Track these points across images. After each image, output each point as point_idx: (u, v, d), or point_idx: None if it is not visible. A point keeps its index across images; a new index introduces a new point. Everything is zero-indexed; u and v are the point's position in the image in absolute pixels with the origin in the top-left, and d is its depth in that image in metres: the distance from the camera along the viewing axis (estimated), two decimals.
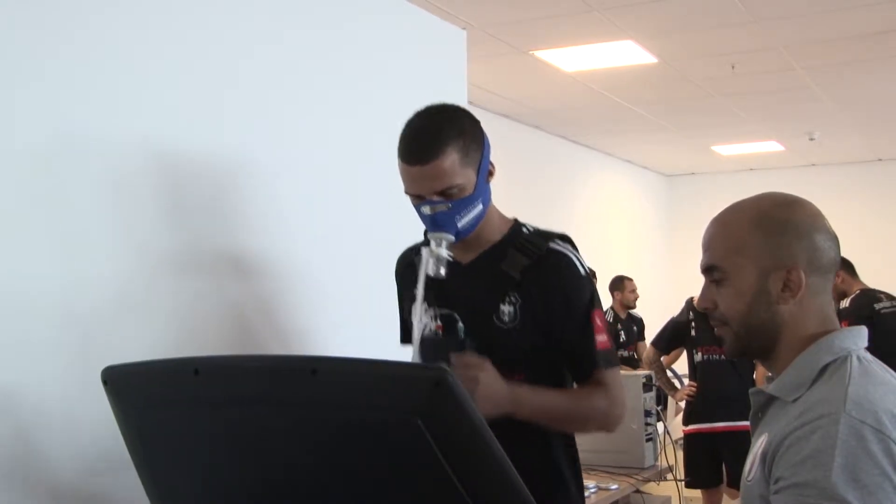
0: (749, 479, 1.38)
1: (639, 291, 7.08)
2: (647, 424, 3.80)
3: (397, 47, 2.85)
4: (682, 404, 5.85)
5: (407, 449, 1.10)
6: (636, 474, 3.65)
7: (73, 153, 1.90)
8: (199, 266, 2.16)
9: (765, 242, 1.41)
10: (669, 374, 6.12)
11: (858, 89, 7.40)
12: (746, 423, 1.53)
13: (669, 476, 3.86)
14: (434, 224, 1.85)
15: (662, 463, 3.89)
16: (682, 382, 6.31)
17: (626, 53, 6.23)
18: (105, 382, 1.34)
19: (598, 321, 1.94)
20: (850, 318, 5.34)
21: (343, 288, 2.53)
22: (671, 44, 6.09)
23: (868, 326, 1.52)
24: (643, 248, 11.02)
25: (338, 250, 2.54)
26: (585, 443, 3.49)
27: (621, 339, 6.73)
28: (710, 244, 1.47)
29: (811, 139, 9.31)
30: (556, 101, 7.64)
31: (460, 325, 1.91)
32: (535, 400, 1.86)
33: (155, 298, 2.04)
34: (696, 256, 1.52)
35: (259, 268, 2.33)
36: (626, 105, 7.81)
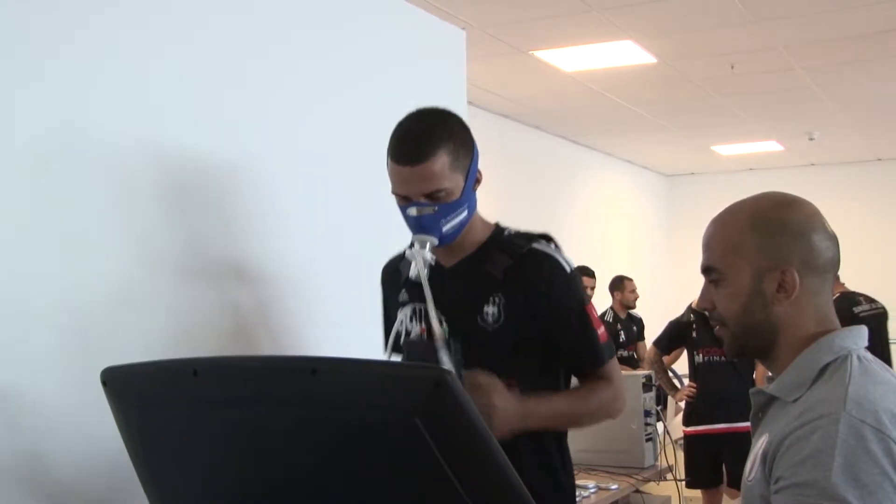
0: (749, 479, 1.38)
1: (639, 291, 7.08)
2: (647, 424, 3.80)
3: (397, 47, 2.85)
4: (682, 405, 5.87)
5: (406, 449, 1.10)
6: (636, 474, 3.65)
7: (73, 153, 1.90)
8: (198, 266, 2.16)
9: (759, 243, 1.42)
10: (670, 374, 6.13)
11: (858, 89, 7.40)
12: (747, 423, 1.53)
13: (669, 476, 3.86)
14: (419, 226, 1.85)
15: (662, 463, 3.89)
16: (681, 382, 6.32)
17: (625, 53, 6.23)
18: (104, 383, 1.34)
19: (593, 315, 1.96)
20: None
21: (343, 288, 2.53)
22: (671, 44, 6.09)
23: None
24: (643, 248, 11.02)
25: (337, 250, 2.54)
26: (585, 443, 3.51)
27: (621, 339, 6.73)
28: (708, 245, 1.48)
29: (811, 139, 9.31)
30: (556, 101, 7.64)
31: (444, 326, 1.90)
32: (544, 410, 1.88)
33: (155, 299, 2.04)
34: (696, 256, 1.52)
35: (259, 268, 2.33)
36: (626, 105, 7.81)
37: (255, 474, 1.23)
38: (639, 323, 7.11)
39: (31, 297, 1.79)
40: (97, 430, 1.75)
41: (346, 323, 2.51)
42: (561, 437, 2.01)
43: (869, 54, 6.33)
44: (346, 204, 2.59)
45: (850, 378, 1.32)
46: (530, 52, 6.20)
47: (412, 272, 1.89)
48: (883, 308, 5.85)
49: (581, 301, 1.95)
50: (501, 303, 1.90)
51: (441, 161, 1.81)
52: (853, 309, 5.61)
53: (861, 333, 1.43)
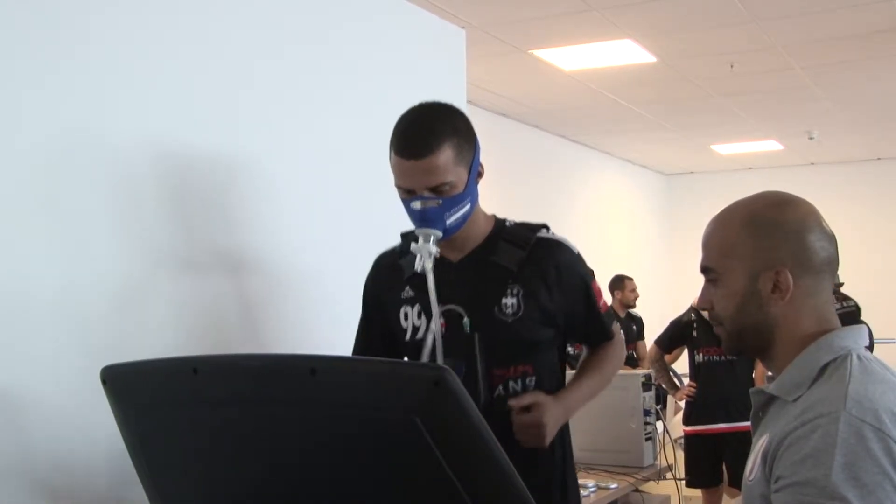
0: (750, 478, 1.38)
1: (638, 291, 7.08)
2: (647, 424, 3.79)
3: (396, 47, 2.85)
4: (682, 404, 5.88)
5: (406, 448, 1.10)
6: (635, 473, 3.65)
7: (74, 154, 1.90)
8: (198, 266, 2.16)
9: (753, 244, 1.42)
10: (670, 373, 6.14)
11: (857, 88, 7.41)
12: (747, 423, 1.53)
13: (669, 475, 3.85)
14: (423, 219, 1.86)
15: (662, 462, 3.89)
16: (681, 382, 6.32)
17: (625, 53, 6.23)
18: (104, 382, 1.34)
19: (596, 287, 2.06)
20: None
21: (343, 287, 2.53)
22: (670, 43, 6.09)
23: None
24: (642, 247, 11.02)
25: (338, 249, 2.54)
26: (585, 442, 3.51)
27: None
28: (706, 245, 1.49)
29: (810, 138, 9.31)
30: (556, 100, 7.64)
31: (466, 320, 1.92)
32: (579, 399, 2.02)
33: (154, 298, 2.04)
34: (696, 256, 1.52)
35: (258, 268, 2.33)
36: (626, 104, 7.81)
37: (254, 473, 1.23)
38: (638, 322, 7.12)
39: (31, 297, 1.79)
40: (97, 430, 1.75)
41: (346, 322, 2.51)
42: (563, 430, 2.02)
43: (869, 54, 6.33)
44: (347, 202, 2.59)
45: (849, 377, 1.32)
46: (530, 52, 6.20)
47: (417, 266, 1.88)
48: (855, 306, 5.84)
49: (590, 278, 2.06)
50: (520, 294, 1.93)
51: (445, 155, 1.82)
52: None
53: (861, 333, 1.43)
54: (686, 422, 5.67)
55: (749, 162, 10.99)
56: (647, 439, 3.80)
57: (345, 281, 2.54)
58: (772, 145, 9.89)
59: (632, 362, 6.60)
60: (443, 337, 1.92)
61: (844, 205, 9.47)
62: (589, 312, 2.04)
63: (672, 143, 9.83)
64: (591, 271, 2.07)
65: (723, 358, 5.40)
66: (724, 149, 10.17)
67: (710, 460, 5.49)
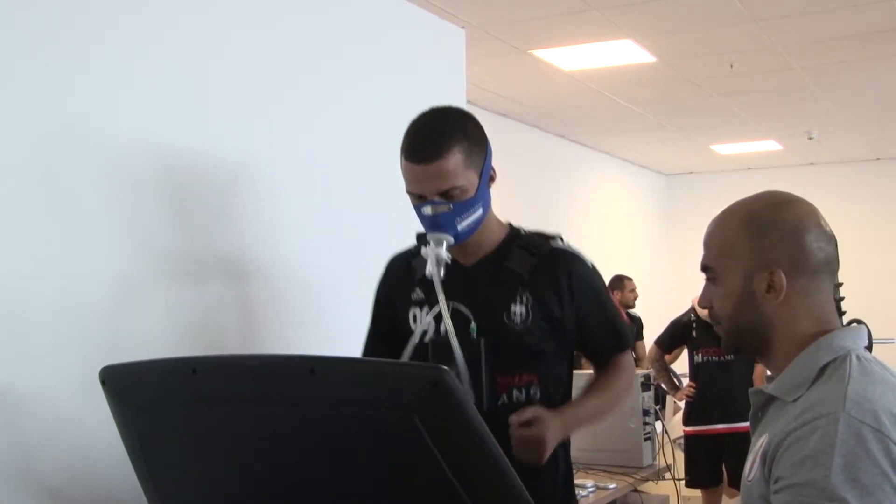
0: (749, 479, 1.38)
1: (638, 291, 7.08)
2: (646, 424, 3.79)
3: (396, 46, 2.85)
4: (682, 404, 5.88)
5: (405, 448, 1.10)
6: (634, 473, 3.65)
7: (74, 154, 1.90)
8: (198, 266, 2.16)
9: (750, 244, 1.42)
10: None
11: (857, 88, 7.41)
12: (746, 423, 1.53)
13: (667, 475, 3.85)
14: (434, 225, 1.85)
15: (660, 462, 3.89)
16: (680, 382, 6.33)
17: (624, 53, 6.23)
18: (103, 382, 1.34)
19: (616, 303, 2.00)
20: None
21: (343, 287, 2.53)
22: (670, 43, 6.09)
23: None
24: (642, 247, 11.02)
25: (337, 249, 2.54)
26: (583, 442, 3.51)
27: None
28: (706, 244, 1.49)
29: (810, 138, 9.30)
30: (555, 100, 7.64)
31: (473, 325, 1.91)
32: (581, 417, 1.97)
33: (154, 298, 2.04)
34: (696, 256, 1.52)
35: (259, 268, 2.33)
36: (625, 104, 7.81)
37: (253, 473, 1.23)
38: (637, 322, 7.12)
39: (31, 296, 1.79)
40: (96, 430, 1.75)
41: (346, 322, 2.51)
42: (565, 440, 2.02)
43: (868, 54, 6.33)
44: (347, 202, 2.59)
45: (849, 378, 1.32)
46: (530, 51, 6.20)
47: (427, 270, 1.88)
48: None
49: (605, 289, 2.05)
50: (529, 302, 1.92)
51: (455, 159, 1.81)
52: None
53: (861, 333, 1.43)
54: (686, 422, 5.68)
55: (748, 162, 10.99)
56: (645, 439, 3.80)
57: (344, 281, 2.54)
58: (771, 145, 9.89)
59: None
60: (444, 342, 1.91)
61: (844, 205, 9.47)
62: (604, 322, 2.01)
63: (672, 143, 9.83)
64: (605, 285, 2.07)
65: (722, 358, 5.40)
66: (724, 149, 10.17)
67: (710, 460, 5.49)
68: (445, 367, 1.08)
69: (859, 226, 9.89)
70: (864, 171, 10.92)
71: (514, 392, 1.92)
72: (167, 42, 2.10)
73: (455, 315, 1.91)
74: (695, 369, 5.62)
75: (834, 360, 1.37)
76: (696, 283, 1.54)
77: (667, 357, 5.91)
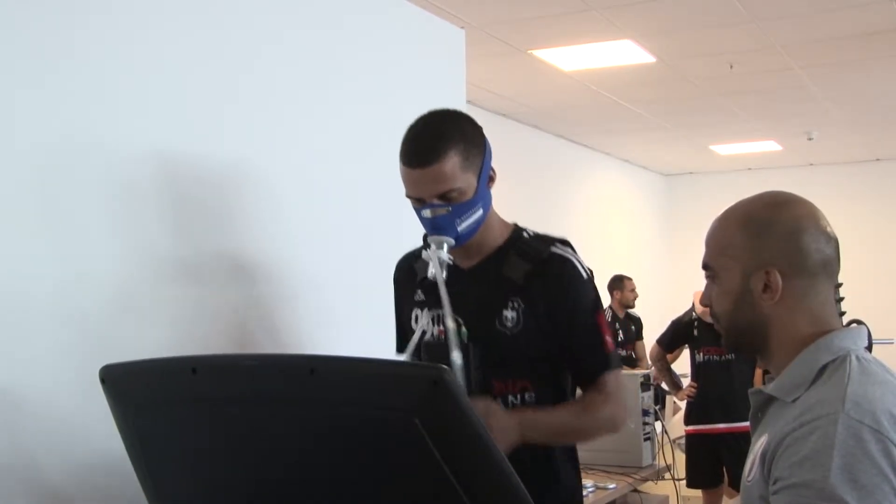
0: (749, 479, 1.38)
1: (637, 291, 7.08)
2: (645, 424, 3.80)
3: (396, 47, 2.85)
4: (683, 404, 5.89)
5: (405, 448, 1.10)
6: (634, 473, 3.65)
7: (73, 155, 1.89)
8: (198, 266, 2.16)
9: (747, 243, 1.43)
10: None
11: (856, 89, 7.41)
12: (747, 423, 1.54)
13: (667, 475, 3.86)
14: (434, 227, 1.85)
15: (660, 462, 3.90)
16: (680, 382, 6.34)
17: (624, 53, 6.23)
18: (103, 381, 1.34)
19: (603, 322, 1.96)
20: None
21: (343, 288, 2.53)
22: (669, 43, 6.09)
23: None
24: (642, 247, 11.02)
25: (337, 251, 2.54)
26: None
27: (619, 339, 6.74)
28: (707, 242, 1.50)
29: (809, 139, 9.31)
30: (555, 100, 7.64)
31: (464, 329, 1.90)
32: (542, 423, 1.88)
33: (154, 298, 2.04)
34: (695, 256, 1.53)
35: (258, 268, 2.33)
36: (625, 104, 7.81)
37: (252, 472, 1.23)
38: (637, 322, 7.12)
39: (30, 297, 1.79)
40: (96, 429, 1.75)
41: (345, 322, 2.51)
42: (572, 454, 2.02)
43: (868, 54, 6.33)
44: (346, 204, 2.59)
45: (848, 378, 1.32)
46: (529, 52, 6.20)
47: (429, 273, 1.87)
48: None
49: (595, 307, 1.96)
50: (521, 308, 1.91)
51: (451, 161, 1.81)
52: None
53: (861, 333, 1.43)
54: (687, 421, 5.68)
55: (748, 162, 10.99)
56: (645, 439, 3.80)
57: (344, 282, 2.54)
58: (771, 146, 9.90)
59: (630, 363, 6.60)
60: (437, 344, 1.91)
61: (843, 205, 9.46)
62: (590, 343, 1.93)
63: (671, 144, 9.83)
64: (600, 302, 1.99)
65: (723, 358, 5.41)
66: (723, 149, 10.18)
67: (711, 460, 5.49)
68: (446, 367, 1.08)
69: (858, 226, 9.89)
70: (864, 171, 10.93)
71: (510, 398, 1.91)
72: (167, 44, 2.10)
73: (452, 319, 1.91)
74: (696, 369, 5.63)
75: (833, 361, 1.37)
76: (696, 283, 1.54)
77: (668, 356, 5.92)
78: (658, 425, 3.95)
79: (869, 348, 1.43)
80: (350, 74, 2.65)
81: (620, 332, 6.82)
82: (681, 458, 5.26)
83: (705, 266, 1.49)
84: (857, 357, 1.37)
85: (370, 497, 1.15)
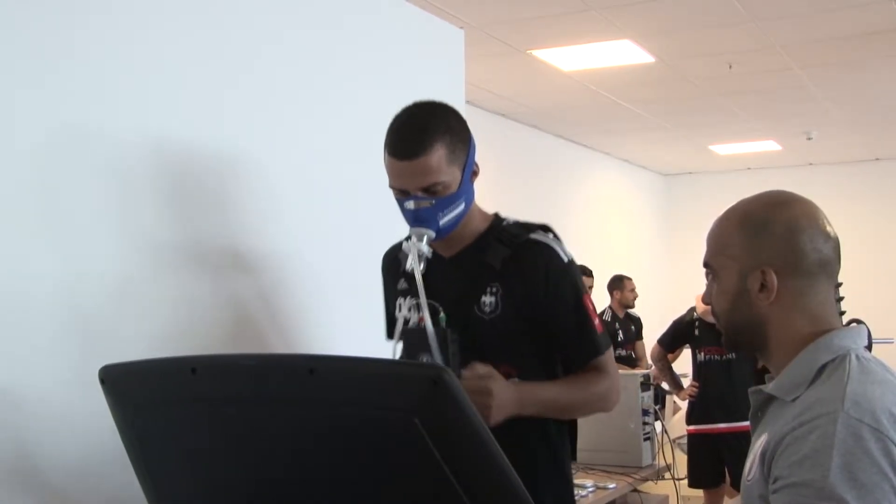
0: (749, 478, 1.38)
1: (637, 291, 7.08)
2: (645, 424, 3.80)
3: (395, 47, 2.85)
4: (684, 403, 5.89)
5: (404, 447, 1.10)
6: (634, 473, 3.65)
7: (72, 152, 1.90)
8: (198, 265, 2.16)
9: (744, 243, 1.43)
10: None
11: (856, 89, 7.41)
12: (747, 423, 1.54)
13: (667, 475, 3.86)
14: (416, 219, 1.86)
15: (660, 462, 3.90)
16: (680, 382, 6.34)
17: (623, 53, 6.23)
18: (102, 381, 1.34)
19: (589, 305, 1.95)
20: None
21: (342, 286, 2.53)
22: (669, 43, 6.09)
23: None
24: (641, 247, 11.03)
25: (337, 248, 2.54)
26: (583, 442, 3.49)
27: (619, 339, 6.74)
28: (707, 241, 1.51)
29: (809, 138, 9.32)
30: (554, 100, 7.64)
31: (442, 315, 1.92)
32: (539, 395, 1.87)
33: (154, 297, 2.04)
34: (695, 256, 1.53)
35: (258, 267, 2.33)
36: (624, 104, 7.81)
37: (252, 472, 1.23)
38: (637, 322, 7.12)
39: (30, 296, 1.79)
40: (95, 429, 1.75)
41: (345, 322, 2.51)
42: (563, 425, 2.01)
43: (867, 54, 6.33)
44: (346, 202, 2.59)
45: (848, 377, 1.32)
46: (528, 52, 6.20)
47: (408, 264, 1.90)
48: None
49: (578, 291, 1.94)
50: (499, 293, 1.91)
51: (437, 155, 1.82)
52: None
53: (860, 333, 1.43)
54: (688, 421, 5.68)
55: (747, 162, 11.00)
56: (645, 439, 3.80)
57: (344, 281, 2.54)
58: (770, 145, 9.90)
59: (630, 362, 6.60)
60: (415, 331, 1.92)
61: (843, 205, 9.46)
62: (577, 327, 1.92)
63: (670, 144, 9.84)
64: (584, 285, 1.97)
65: (724, 357, 5.41)
66: (723, 149, 10.18)
67: (712, 460, 5.49)
68: (446, 367, 1.08)
69: (858, 226, 9.89)
70: (863, 171, 10.93)
71: None
72: (167, 39, 2.10)
73: (429, 306, 1.92)
74: (697, 368, 5.63)
75: (833, 360, 1.37)
76: (696, 283, 1.55)
77: (669, 356, 5.92)
78: (658, 425, 3.95)
79: (869, 348, 1.44)
80: (350, 74, 2.65)
81: (620, 332, 6.82)
82: (681, 457, 5.26)
83: (706, 265, 1.50)
84: (857, 356, 1.37)
85: (370, 497, 1.15)
